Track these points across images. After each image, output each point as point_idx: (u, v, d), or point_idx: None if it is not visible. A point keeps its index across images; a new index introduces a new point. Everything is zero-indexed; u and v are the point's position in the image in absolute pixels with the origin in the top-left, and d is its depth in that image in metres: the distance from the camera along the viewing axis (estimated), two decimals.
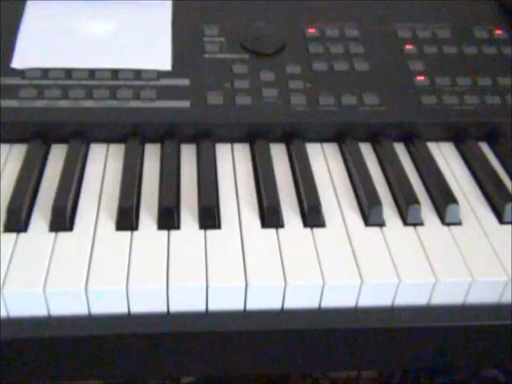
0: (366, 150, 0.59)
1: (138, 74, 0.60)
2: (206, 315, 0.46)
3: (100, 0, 0.67)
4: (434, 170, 0.57)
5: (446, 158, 0.60)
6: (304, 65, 0.62)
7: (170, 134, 0.58)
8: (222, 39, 0.64)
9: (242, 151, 0.59)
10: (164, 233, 0.49)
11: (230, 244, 0.48)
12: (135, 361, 0.49)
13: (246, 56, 0.63)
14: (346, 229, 0.51)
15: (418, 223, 0.52)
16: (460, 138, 0.61)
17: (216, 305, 0.46)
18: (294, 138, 0.59)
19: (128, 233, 0.49)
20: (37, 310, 0.45)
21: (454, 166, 0.59)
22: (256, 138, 0.59)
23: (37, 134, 0.57)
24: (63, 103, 0.57)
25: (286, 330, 0.47)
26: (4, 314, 0.45)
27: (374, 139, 0.60)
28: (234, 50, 0.63)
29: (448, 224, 0.52)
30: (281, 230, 0.50)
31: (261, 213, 0.52)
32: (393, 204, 0.54)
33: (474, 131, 0.61)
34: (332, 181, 0.56)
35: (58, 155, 0.56)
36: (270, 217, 0.50)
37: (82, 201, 0.52)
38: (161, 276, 0.45)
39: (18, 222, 0.49)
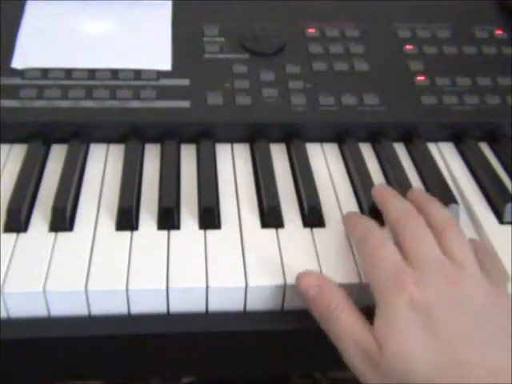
0: (366, 150, 0.59)
1: (137, 73, 0.60)
2: (206, 315, 0.46)
3: (100, 0, 0.67)
4: (434, 170, 0.57)
5: (446, 158, 0.60)
6: (304, 65, 0.62)
7: (169, 134, 0.58)
8: (222, 39, 0.64)
9: (242, 151, 0.59)
10: (164, 233, 0.49)
11: (230, 244, 0.48)
12: (135, 361, 0.49)
13: (246, 56, 0.63)
14: None
15: None
16: (460, 138, 0.61)
17: (216, 305, 0.46)
18: (294, 138, 0.59)
19: (128, 233, 0.49)
20: (37, 310, 0.45)
21: (453, 166, 0.59)
22: (256, 137, 0.59)
23: (37, 134, 0.57)
24: (63, 103, 0.57)
25: (285, 330, 0.47)
26: (4, 314, 0.45)
27: (374, 139, 0.60)
28: (234, 49, 0.63)
29: None
30: (281, 230, 0.50)
31: (261, 213, 0.52)
32: None
33: (474, 131, 0.61)
34: (332, 181, 0.56)
35: (58, 155, 0.56)
36: (270, 217, 0.50)
37: (82, 201, 0.52)
38: (161, 276, 0.45)
39: (18, 222, 0.48)
